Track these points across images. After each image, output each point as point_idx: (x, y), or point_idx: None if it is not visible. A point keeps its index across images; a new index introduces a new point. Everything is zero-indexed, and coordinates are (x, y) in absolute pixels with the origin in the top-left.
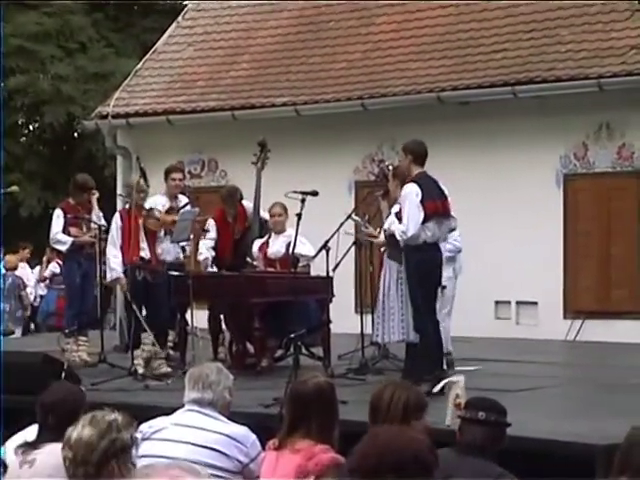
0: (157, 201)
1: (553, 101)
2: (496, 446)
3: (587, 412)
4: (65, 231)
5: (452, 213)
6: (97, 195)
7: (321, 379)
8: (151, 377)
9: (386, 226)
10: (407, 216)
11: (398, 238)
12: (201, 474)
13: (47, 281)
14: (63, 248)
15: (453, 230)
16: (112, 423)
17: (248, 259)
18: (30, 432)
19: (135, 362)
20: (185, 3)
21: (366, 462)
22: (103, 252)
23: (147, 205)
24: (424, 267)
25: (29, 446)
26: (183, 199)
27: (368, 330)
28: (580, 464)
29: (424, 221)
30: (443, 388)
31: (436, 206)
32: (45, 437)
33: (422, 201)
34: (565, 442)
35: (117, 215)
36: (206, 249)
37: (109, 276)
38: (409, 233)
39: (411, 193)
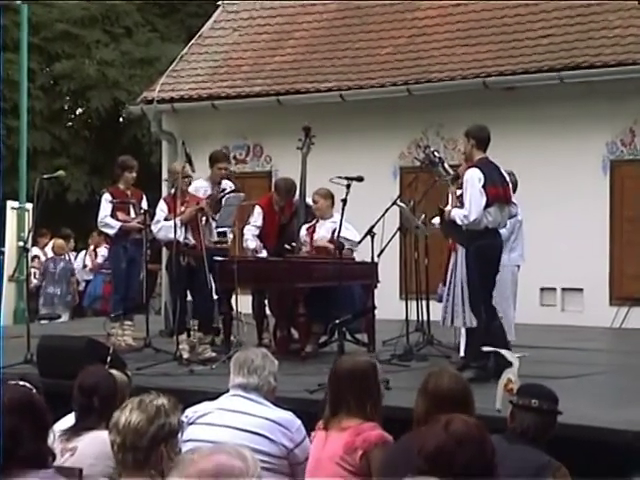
0: (199, 186)
1: (600, 86)
2: (547, 434)
3: (634, 399)
4: (113, 215)
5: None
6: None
7: (361, 358)
8: (196, 362)
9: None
10: (469, 201)
11: (459, 223)
12: (248, 458)
13: (97, 266)
14: (111, 232)
15: (514, 216)
16: (160, 408)
17: (294, 244)
18: (71, 418)
19: (180, 347)
20: None
21: (442, 452)
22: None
23: (190, 190)
24: (483, 252)
25: (70, 432)
26: (227, 184)
27: (413, 316)
28: (627, 452)
29: (486, 206)
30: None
31: (498, 192)
32: (85, 422)
33: (484, 186)
34: (612, 429)
35: (162, 202)
36: (252, 236)
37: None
38: (471, 217)
39: (473, 178)
